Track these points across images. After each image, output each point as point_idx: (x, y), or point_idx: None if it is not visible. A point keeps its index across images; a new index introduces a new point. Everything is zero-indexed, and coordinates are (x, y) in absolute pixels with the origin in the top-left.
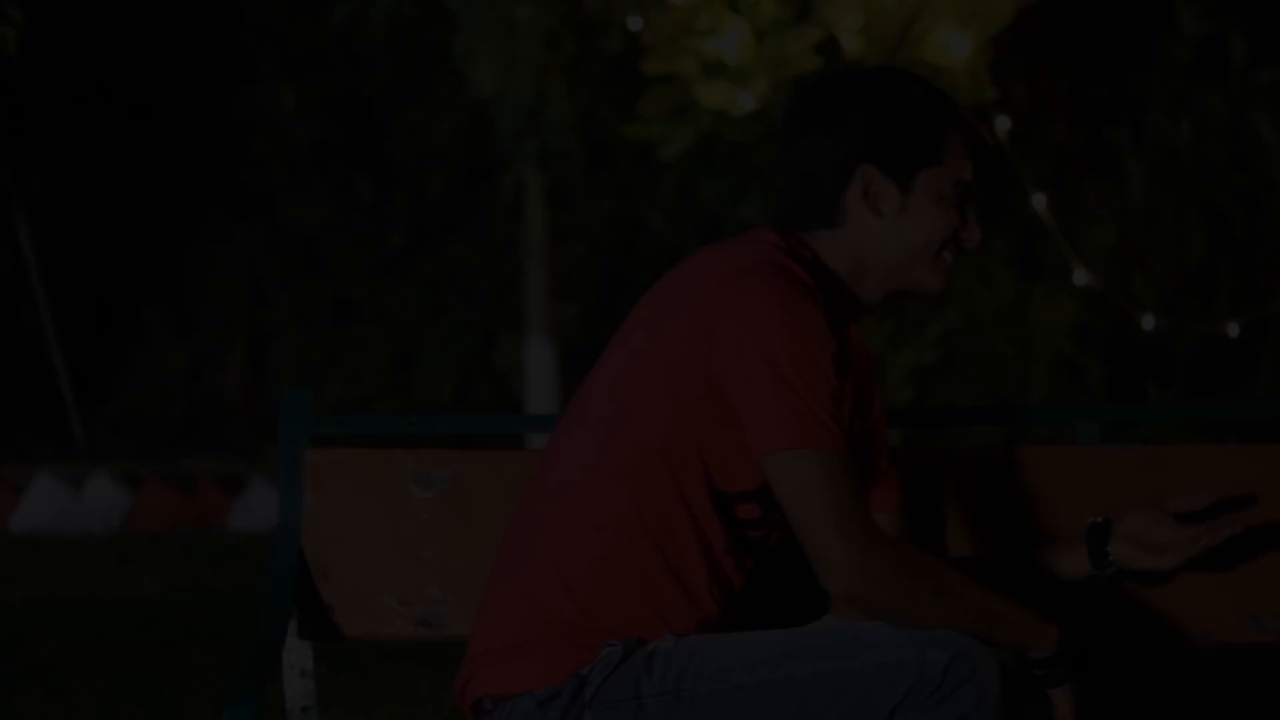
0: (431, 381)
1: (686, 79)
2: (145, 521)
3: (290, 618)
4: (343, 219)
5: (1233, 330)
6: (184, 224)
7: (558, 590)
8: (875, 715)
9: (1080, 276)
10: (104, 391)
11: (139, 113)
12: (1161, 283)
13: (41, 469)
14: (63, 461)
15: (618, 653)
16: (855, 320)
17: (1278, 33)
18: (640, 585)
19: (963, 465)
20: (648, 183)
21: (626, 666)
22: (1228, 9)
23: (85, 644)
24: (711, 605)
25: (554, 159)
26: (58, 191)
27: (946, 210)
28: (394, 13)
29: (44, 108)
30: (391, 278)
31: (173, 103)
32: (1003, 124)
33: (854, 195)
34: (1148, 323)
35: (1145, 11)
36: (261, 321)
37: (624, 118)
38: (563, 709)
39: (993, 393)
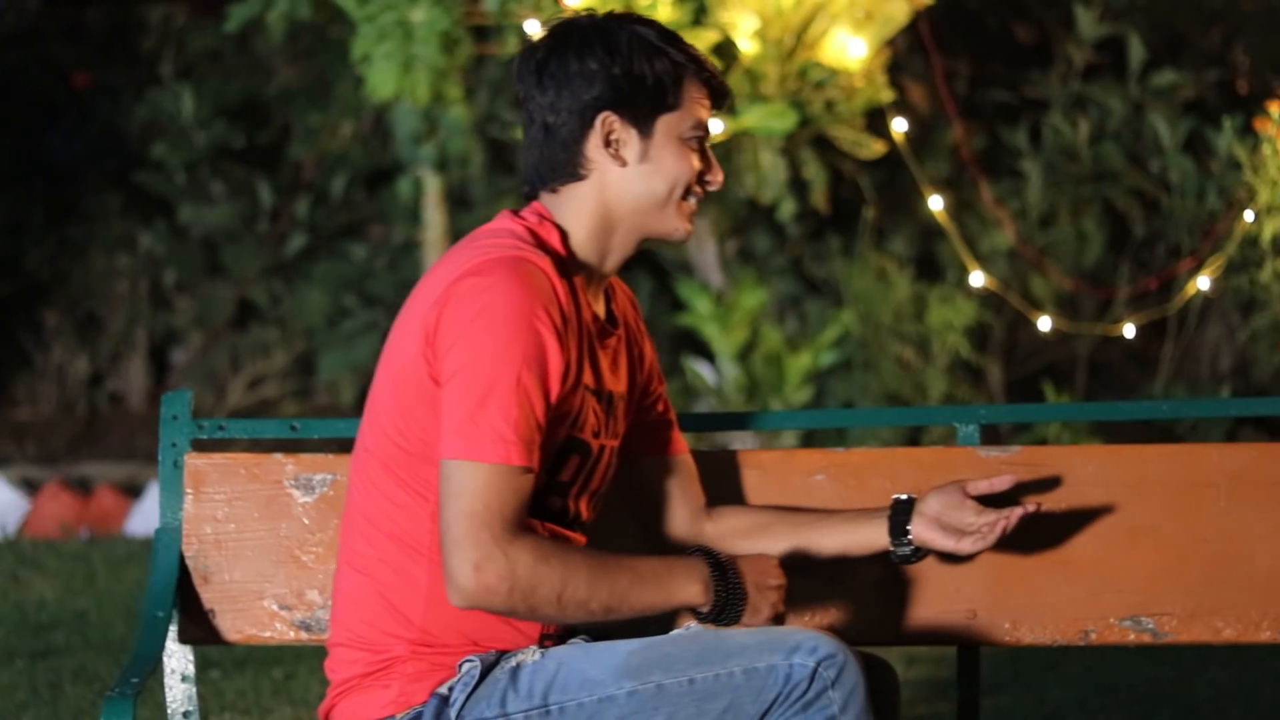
0: (333, 385)
1: None
2: (42, 527)
3: (171, 622)
4: (244, 222)
5: (1129, 331)
6: (84, 227)
7: (397, 619)
8: None
9: (977, 278)
10: (4, 396)
11: (37, 114)
12: (1059, 284)
13: None
14: None
15: (478, 668)
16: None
17: (1175, 35)
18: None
19: (842, 466)
20: None
21: (490, 682)
22: (1126, 12)
23: None
24: None
25: (452, 162)
26: None
27: (688, 153)
28: (290, 16)
29: None
30: (293, 281)
31: (72, 105)
32: (899, 126)
33: (595, 145)
34: (1044, 324)
35: (1043, 14)
36: (163, 325)
37: None
38: None
39: (890, 395)
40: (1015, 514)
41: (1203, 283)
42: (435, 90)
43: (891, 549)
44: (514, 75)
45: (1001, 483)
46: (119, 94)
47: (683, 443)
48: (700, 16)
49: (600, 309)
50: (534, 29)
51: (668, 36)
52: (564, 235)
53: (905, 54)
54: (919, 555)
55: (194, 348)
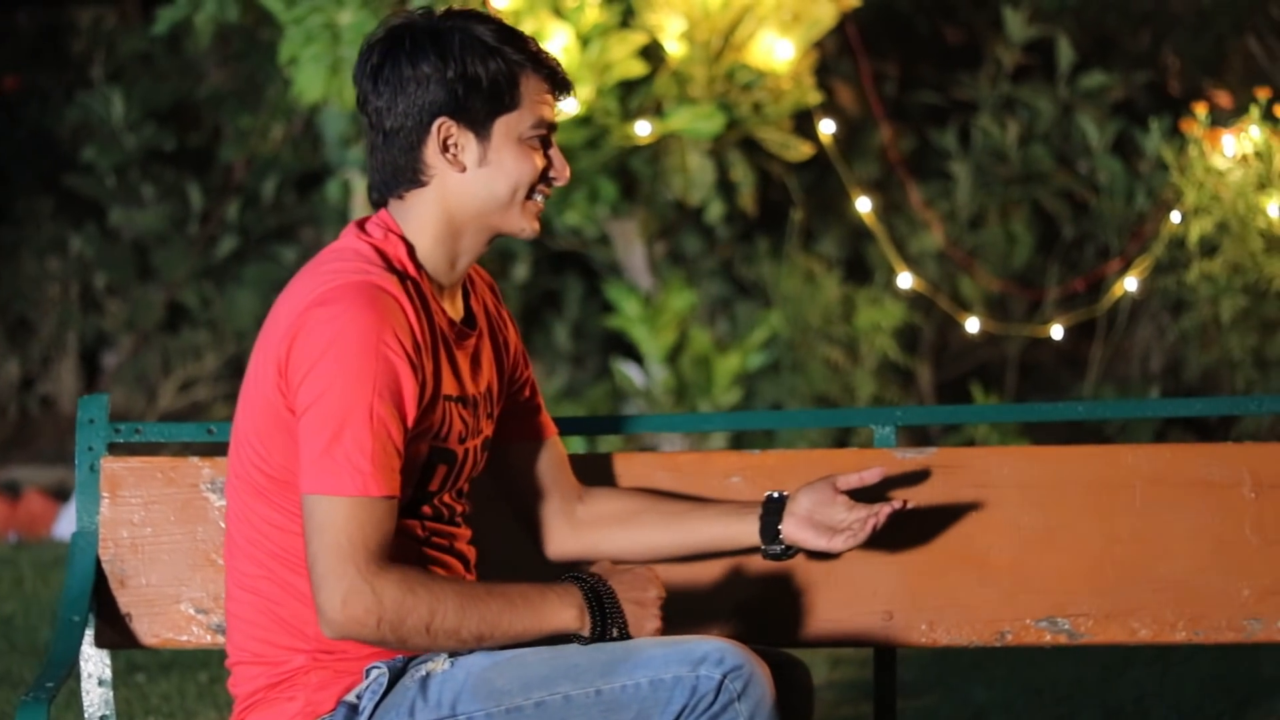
0: None
1: None
2: None
3: (88, 627)
4: (174, 225)
5: (1056, 332)
6: (14, 230)
7: (292, 633)
8: None
9: (905, 279)
10: None
11: None
12: (988, 286)
13: None
14: None
15: (386, 675)
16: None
17: (1104, 37)
18: None
19: (758, 468)
20: None
21: (399, 690)
22: (1055, 14)
23: None
24: None
25: None
26: None
27: (529, 153)
28: (218, 19)
29: None
30: (223, 283)
31: (1, 108)
32: (827, 128)
33: (433, 151)
34: (972, 325)
35: (973, 16)
36: (94, 328)
37: None
38: None
39: (819, 396)
40: (884, 511)
41: (1130, 284)
42: None
43: (762, 548)
44: (353, 77)
45: (871, 476)
46: (49, 97)
47: (552, 426)
48: (628, 18)
49: (457, 309)
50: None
51: (505, 34)
52: (410, 247)
53: (834, 56)
54: (789, 554)
55: (125, 351)
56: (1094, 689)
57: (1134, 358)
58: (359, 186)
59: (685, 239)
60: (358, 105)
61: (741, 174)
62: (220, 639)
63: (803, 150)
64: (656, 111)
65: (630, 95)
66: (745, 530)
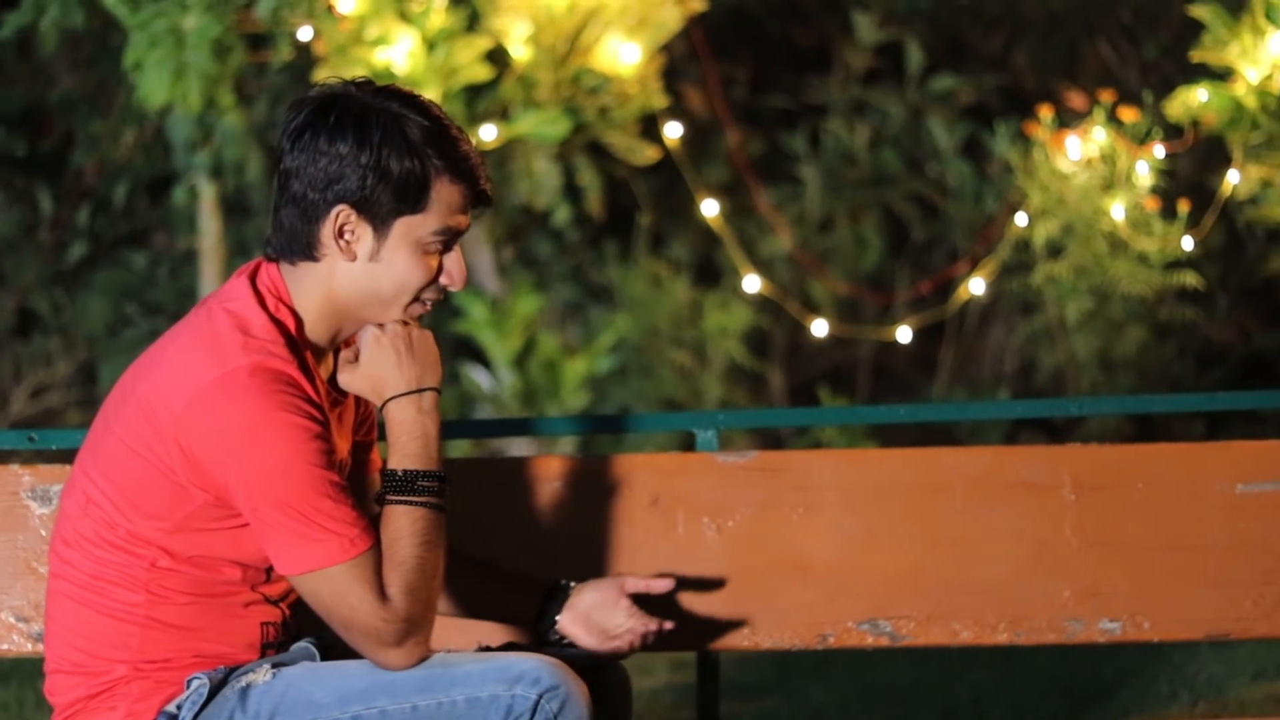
0: None
1: None
2: None
3: None
4: (24, 230)
5: (903, 335)
6: None
7: (114, 644)
8: None
9: (751, 283)
10: None
11: None
12: (837, 289)
13: None
14: None
15: (206, 685)
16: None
17: (953, 40)
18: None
19: (579, 473)
20: None
21: (220, 700)
22: (904, 17)
23: None
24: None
25: (228, 169)
26: None
27: (423, 258)
28: (62, 24)
29: None
30: (74, 289)
31: None
32: (673, 131)
33: (329, 232)
34: (819, 328)
35: (823, 19)
36: None
37: None
38: None
39: (667, 400)
40: (653, 631)
41: (976, 286)
42: (208, 97)
43: (541, 635)
44: (279, 133)
45: (659, 585)
46: None
47: (379, 461)
48: (474, 23)
49: (328, 370)
50: (307, 35)
51: (435, 135)
52: (298, 320)
53: (685, 60)
54: (566, 643)
55: None
56: (933, 690)
57: (986, 360)
58: (206, 191)
59: (537, 243)
60: (277, 161)
61: (588, 178)
62: (41, 647)
63: (648, 154)
64: (503, 116)
65: (476, 100)
66: (525, 608)
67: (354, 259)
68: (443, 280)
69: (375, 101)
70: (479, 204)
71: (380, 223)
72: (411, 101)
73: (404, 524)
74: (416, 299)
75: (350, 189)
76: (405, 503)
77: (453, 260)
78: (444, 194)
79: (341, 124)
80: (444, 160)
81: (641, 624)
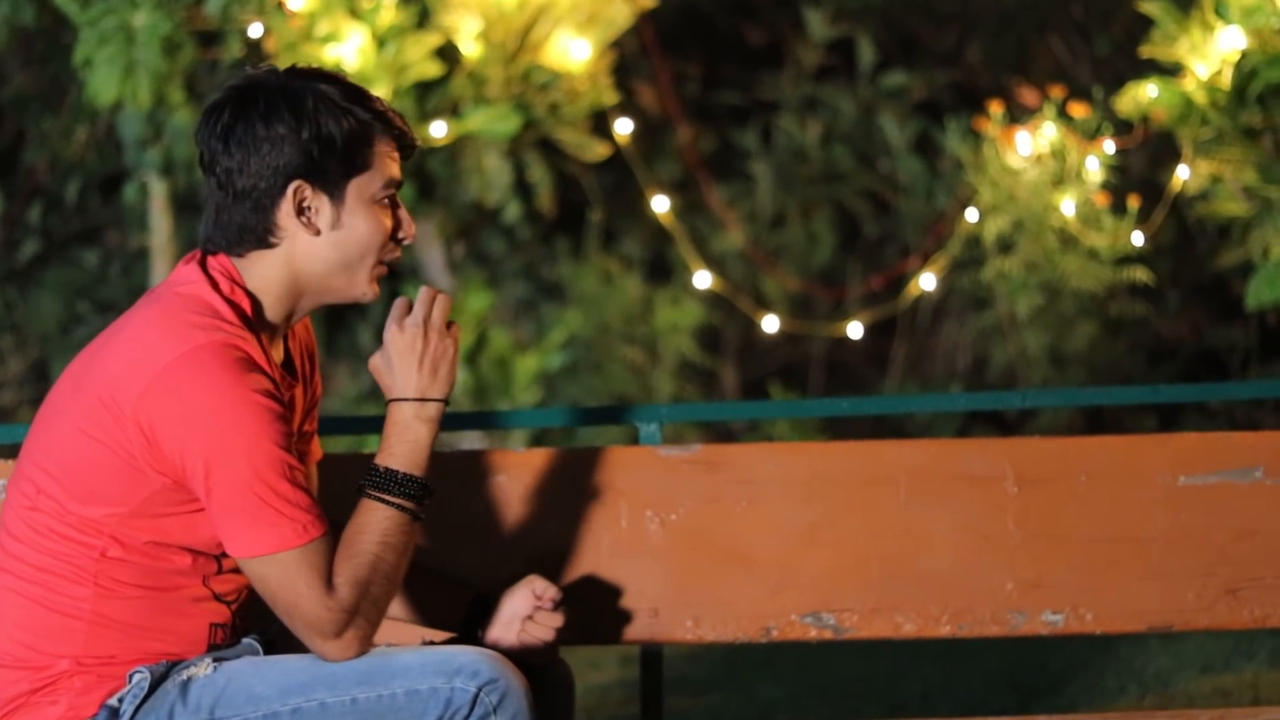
0: None
1: None
2: None
3: None
4: None
5: (854, 331)
6: None
7: (58, 638)
8: None
9: (703, 279)
10: None
11: None
12: (789, 285)
13: None
14: None
15: (147, 679)
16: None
17: (905, 36)
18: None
19: (524, 467)
20: None
21: (161, 694)
22: (856, 13)
23: None
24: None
25: (179, 167)
26: None
27: (379, 214)
28: (12, 21)
29: None
30: (26, 288)
31: None
32: (624, 127)
33: (287, 213)
34: (770, 324)
35: (775, 16)
36: None
37: None
38: None
39: (618, 396)
40: (560, 623)
41: (927, 282)
42: (158, 94)
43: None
44: (196, 134)
45: (549, 596)
46: None
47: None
48: (424, 19)
49: (279, 354)
50: (257, 32)
51: (352, 94)
52: (255, 302)
53: (636, 56)
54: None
55: None
56: (882, 684)
57: (939, 355)
58: (157, 189)
59: (488, 240)
60: (202, 166)
61: (539, 175)
62: None
63: (599, 150)
64: (453, 112)
65: (427, 96)
66: (454, 611)
67: (317, 233)
68: (400, 234)
69: (290, 80)
70: (407, 151)
71: (335, 189)
72: (319, 73)
73: (370, 519)
74: (379, 261)
75: (300, 165)
76: (377, 499)
77: (403, 214)
78: (382, 145)
79: (272, 107)
80: (370, 114)
81: (553, 621)
